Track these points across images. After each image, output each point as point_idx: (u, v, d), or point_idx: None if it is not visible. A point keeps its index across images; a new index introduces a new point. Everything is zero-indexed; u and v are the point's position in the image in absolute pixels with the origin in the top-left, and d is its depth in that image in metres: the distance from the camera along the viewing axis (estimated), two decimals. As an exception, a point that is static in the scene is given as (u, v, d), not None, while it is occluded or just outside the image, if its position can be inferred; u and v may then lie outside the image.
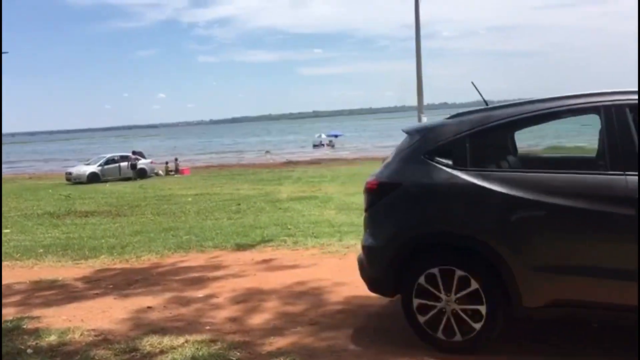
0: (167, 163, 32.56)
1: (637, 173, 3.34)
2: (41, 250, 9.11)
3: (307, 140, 74.48)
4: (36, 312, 5.47)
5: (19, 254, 8.89)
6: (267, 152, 50.87)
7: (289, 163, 37.44)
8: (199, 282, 6.30)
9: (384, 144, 57.54)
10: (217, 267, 7.00)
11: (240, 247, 8.25)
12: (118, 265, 7.73)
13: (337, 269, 6.39)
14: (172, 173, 31.11)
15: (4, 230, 12.03)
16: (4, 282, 6.69)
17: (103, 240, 9.91)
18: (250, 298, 5.51)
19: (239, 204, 14.83)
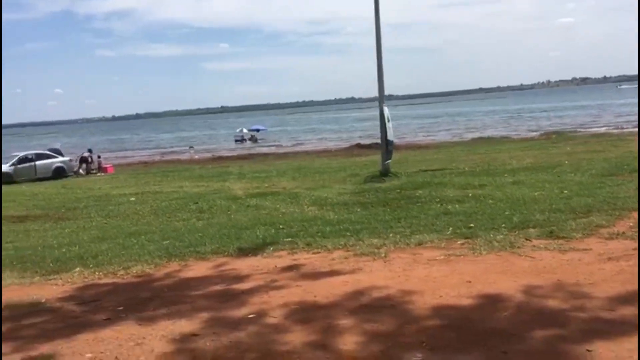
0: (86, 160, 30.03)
1: None
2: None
3: (224, 135, 72.61)
4: (43, 349, 4.26)
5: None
6: (191, 147, 48.66)
7: (217, 159, 35.83)
8: (231, 297, 5.26)
9: (306, 137, 57.27)
10: (237, 278, 5.96)
11: (244, 252, 7.22)
12: (105, 280, 6.48)
13: (391, 275, 5.57)
14: (94, 171, 28.72)
15: None
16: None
17: (64, 250, 8.48)
18: (314, 316, 4.58)
19: (197, 203, 13.55)
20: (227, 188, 17.02)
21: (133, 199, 15.91)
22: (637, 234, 6.37)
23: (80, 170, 28.78)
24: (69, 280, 6.59)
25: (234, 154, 40.06)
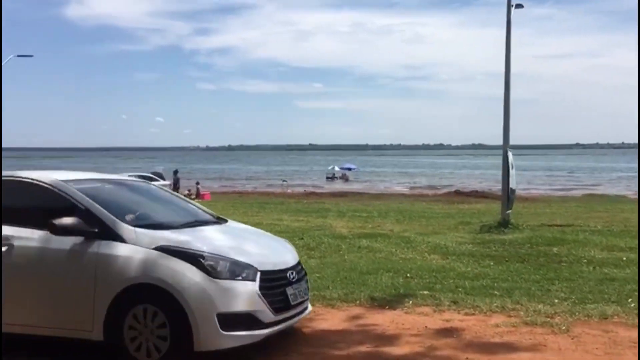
0: (188, 189, 30.47)
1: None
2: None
3: (315, 172, 72.86)
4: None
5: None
6: (284, 181, 48.75)
7: (310, 194, 35.38)
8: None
9: (399, 180, 56.07)
10: (383, 338, 4.96)
11: (378, 303, 6.22)
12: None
13: (588, 356, 4.33)
14: (193, 197, 28.97)
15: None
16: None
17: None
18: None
19: (302, 238, 12.74)
20: (329, 225, 16.17)
21: (234, 228, 15.38)
22: None
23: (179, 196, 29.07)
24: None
25: (327, 190, 39.54)
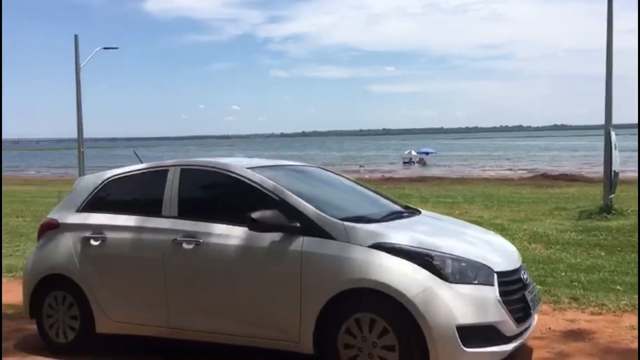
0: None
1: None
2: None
3: (390, 157, 71.91)
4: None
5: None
6: (361, 166, 48.43)
7: (388, 179, 34.77)
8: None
9: (479, 163, 54.23)
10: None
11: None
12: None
13: None
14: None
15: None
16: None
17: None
18: None
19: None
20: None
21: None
22: None
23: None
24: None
25: (405, 175, 38.76)
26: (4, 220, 14.33)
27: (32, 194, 25.26)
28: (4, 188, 29.55)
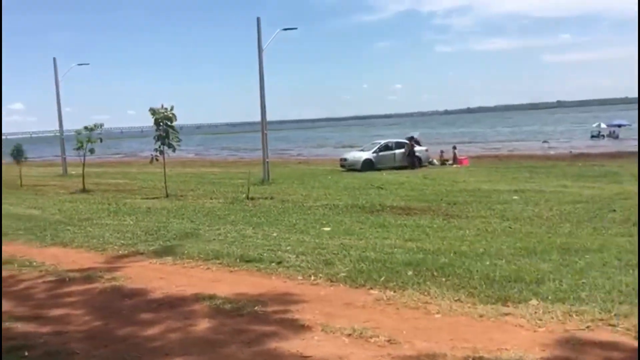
0: (441, 152, 29.16)
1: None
2: (408, 272, 6.08)
3: (572, 130, 65.74)
4: None
5: (382, 277, 5.93)
6: (545, 142, 44.73)
7: (578, 155, 31.29)
8: None
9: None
10: None
11: None
12: (590, 335, 4.14)
13: None
14: (450, 163, 27.59)
15: (325, 229, 9.57)
16: None
17: (487, 262, 6.52)
18: None
19: (614, 210, 10.51)
20: (628, 193, 13.35)
21: (516, 197, 13.63)
22: None
23: (435, 161, 27.98)
24: (534, 319, 4.49)
25: (596, 151, 34.68)
26: (198, 202, 14.90)
27: (218, 175, 26.61)
28: (192, 170, 31.88)
